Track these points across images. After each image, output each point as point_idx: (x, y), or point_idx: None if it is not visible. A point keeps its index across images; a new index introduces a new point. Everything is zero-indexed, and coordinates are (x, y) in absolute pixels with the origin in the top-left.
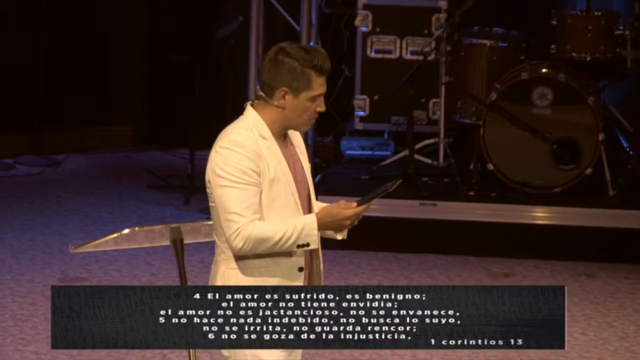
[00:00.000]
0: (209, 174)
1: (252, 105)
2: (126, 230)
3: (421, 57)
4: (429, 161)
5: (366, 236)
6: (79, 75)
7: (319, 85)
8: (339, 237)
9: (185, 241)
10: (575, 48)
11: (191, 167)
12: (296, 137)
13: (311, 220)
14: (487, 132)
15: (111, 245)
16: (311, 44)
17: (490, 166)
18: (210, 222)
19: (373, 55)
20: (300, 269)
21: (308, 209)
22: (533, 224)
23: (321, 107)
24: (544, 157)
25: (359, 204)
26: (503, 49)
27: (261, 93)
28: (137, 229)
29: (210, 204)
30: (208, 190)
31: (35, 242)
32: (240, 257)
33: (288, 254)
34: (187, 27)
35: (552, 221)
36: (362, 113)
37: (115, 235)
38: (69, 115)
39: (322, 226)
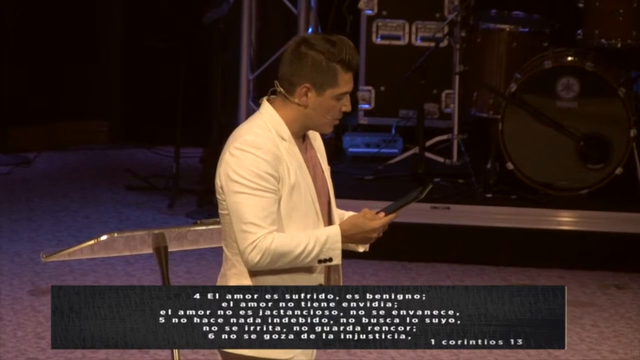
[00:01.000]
0: (222, 179)
1: (269, 101)
2: (104, 237)
3: (432, 44)
4: (441, 160)
5: (371, 243)
6: (49, 63)
7: (346, 82)
8: (361, 249)
9: (170, 249)
10: (605, 34)
11: (176, 167)
12: (316, 137)
13: (335, 233)
14: (506, 127)
15: (87, 253)
16: (309, 30)
17: (510, 165)
18: (197, 228)
19: (379, 41)
20: (320, 286)
21: (328, 218)
22: (557, 229)
23: (347, 107)
24: (569, 156)
25: (386, 213)
26: (524, 34)
27: (280, 89)
28: (116, 235)
29: (221, 212)
30: (219, 197)
31: (2, 250)
32: (254, 273)
33: (307, 269)
34: (170, 9)
35: (578, 226)
36: (366, 106)
37: (91, 242)
38: (39, 108)
39: (346, 239)
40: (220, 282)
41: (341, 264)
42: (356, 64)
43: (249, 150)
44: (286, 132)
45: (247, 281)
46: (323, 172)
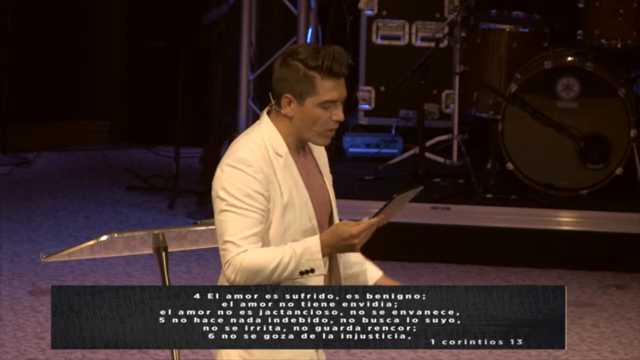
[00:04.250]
0: (213, 196)
1: (268, 112)
2: (104, 237)
3: (433, 44)
4: (441, 160)
5: (371, 243)
6: (49, 63)
7: (328, 90)
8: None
9: (170, 249)
10: (605, 34)
11: (176, 167)
12: (319, 148)
13: (314, 244)
14: (506, 127)
15: (87, 253)
16: (310, 29)
17: (510, 165)
18: (197, 228)
19: (379, 41)
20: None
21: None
22: (557, 229)
23: (337, 116)
24: (569, 156)
25: (369, 218)
26: (524, 35)
27: (273, 100)
28: (116, 235)
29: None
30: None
31: (2, 250)
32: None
33: (301, 282)
34: (170, 9)
35: (579, 227)
36: (366, 106)
37: (91, 242)
38: (39, 108)
39: (327, 248)
40: (220, 282)
41: (342, 274)
42: (339, 70)
43: (240, 168)
44: (282, 148)
45: None
46: (324, 183)
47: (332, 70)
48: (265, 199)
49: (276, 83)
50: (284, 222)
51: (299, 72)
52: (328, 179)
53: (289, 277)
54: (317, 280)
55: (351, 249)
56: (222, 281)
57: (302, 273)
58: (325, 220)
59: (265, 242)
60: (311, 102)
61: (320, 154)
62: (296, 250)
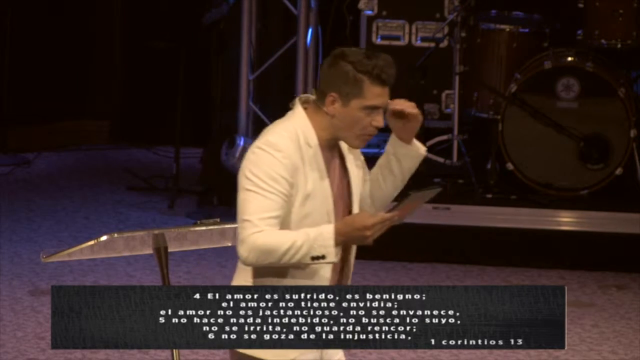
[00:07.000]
0: (239, 176)
1: (302, 103)
2: (104, 237)
3: (433, 44)
4: (441, 160)
5: (373, 242)
6: (49, 64)
7: (375, 96)
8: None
9: (170, 249)
10: (605, 34)
11: (176, 167)
12: (354, 150)
13: (327, 230)
14: (506, 127)
15: (87, 254)
16: (309, 29)
17: (510, 166)
18: (197, 228)
19: (379, 41)
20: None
21: None
22: (557, 230)
23: (378, 122)
24: (569, 156)
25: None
26: (524, 35)
27: (314, 96)
28: (116, 235)
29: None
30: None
31: (2, 250)
32: (257, 273)
33: (310, 273)
34: (170, 9)
35: (579, 227)
36: None
37: (91, 242)
38: (39, 108)
39: (341, 236)
40: (234, 278)
41: (351, 268)
42: (387, 79)
43: (268, 151)
44: (313, 139)
45: (250, 278)
46: (349, 185)
47: (381, 77)
48: (289, 184)
49: (323, 81)
50: (303, 211)
51: (348, 73)
52: (358, 179)
53: (301, 261)
54: (325, 270)
55: (363, 240)
56: (239, 274)
57: (313, 258)
58: (340, 217)
59: (281, 227)
60: (356, 104)
61: (356, 153)
62: (310, 234)
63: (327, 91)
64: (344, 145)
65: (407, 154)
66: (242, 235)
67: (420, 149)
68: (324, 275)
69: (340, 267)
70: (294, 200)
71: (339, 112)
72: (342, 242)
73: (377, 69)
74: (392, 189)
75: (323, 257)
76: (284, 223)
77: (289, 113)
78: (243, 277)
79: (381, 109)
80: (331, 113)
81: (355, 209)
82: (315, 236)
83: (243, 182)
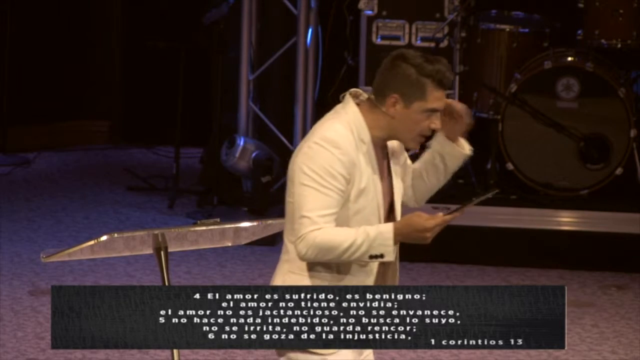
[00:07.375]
0: (294, 168)
1: (354, 98)
2: (104, 237)
3: (433, 44)
4: None
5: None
6: (49, 64)
7: (435, 99)
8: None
9: (170, 249)
10: (605, 34)
11: (176, 167)
12: (402, 151)
13: (387, 230)
14: (506, 127)
15: (87, 254)
16: (309, 29)
17: (510, 166)
18: (197, 228)
19: (379, 41)
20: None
21: None
22: (557, 230)
23: (436, 124)
24: (569, 156)
25: (443, 214)
26: (524, 35)
27: (372, 96)
28: (116, 235)
29: (288, 199)
30: (288, 184)
31: (2, 250)
32: (308, 266)
33: (361, 269)
34: (170, 9)
35: (579, 227)
36: None
37: (91, 242)
38: (39, 108)
39: (399, 237)
40: (277, 266)
41: (398, 266)
42: (448, 84)
43: (326, 147)
44: (367, 136)
45: (297, 269)
46: (392, 185)
47: (442, 81)
48: (346, 181)
49: (382, 82)
50: (356, 206)
51: (411, 76)
52: (399, 175)
53: (359, 259)
54: (374, 264)
55: (422, 240)
56: (278, 267)
57: (371, 257)
58: (385, 213)
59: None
60: (417, 106)
61: (400, 149)
62: (370, 233)
63: (387, 92)
64: (396, 148)
65: (452, 152)
66: (301, 231)
67: (465, 148)
68: (372, 269)
69: (387, 266)
70: (349, 195)
71: (399, 113)
72: (400, 241)
73: (440, 73)
74: (435, 183)
75: (382, 255)
76: (337, 218)
77: (339, 106)
78: (288, 267)
79: (439, 112)
80: (391, 114)
81: (398, 205)
82: (375, 235)
83: (299, 176)
